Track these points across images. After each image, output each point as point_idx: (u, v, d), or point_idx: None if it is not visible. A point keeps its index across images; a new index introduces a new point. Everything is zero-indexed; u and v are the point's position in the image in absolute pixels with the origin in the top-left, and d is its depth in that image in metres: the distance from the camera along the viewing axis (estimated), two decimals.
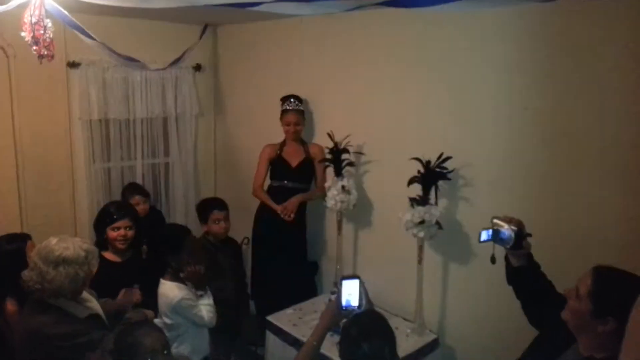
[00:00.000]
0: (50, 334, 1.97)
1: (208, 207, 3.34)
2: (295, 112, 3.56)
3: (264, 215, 3.66)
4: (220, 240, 3.36)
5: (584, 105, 2.34)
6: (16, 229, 3.56)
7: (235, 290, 3.35)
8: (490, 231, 1.74)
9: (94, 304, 2.23)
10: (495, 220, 1.76)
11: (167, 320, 2.49)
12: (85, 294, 2.24)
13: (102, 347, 1.88)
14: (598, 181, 2.32)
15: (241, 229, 3.88)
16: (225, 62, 4.50)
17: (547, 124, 2.47)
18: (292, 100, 3.57)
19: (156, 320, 2.53)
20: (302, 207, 3.60)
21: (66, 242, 2.02)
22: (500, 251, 1.81)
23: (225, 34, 4.43)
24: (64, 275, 1.95)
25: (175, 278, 2.52)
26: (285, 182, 3.61)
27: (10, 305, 2.46)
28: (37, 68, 3.27)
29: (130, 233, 2.88)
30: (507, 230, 1.71)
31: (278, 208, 3.49)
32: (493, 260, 1.78)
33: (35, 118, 3.62)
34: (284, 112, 3.58)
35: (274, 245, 3.58)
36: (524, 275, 1.77)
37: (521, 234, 1.71)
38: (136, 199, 3.64)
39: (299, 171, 3.61)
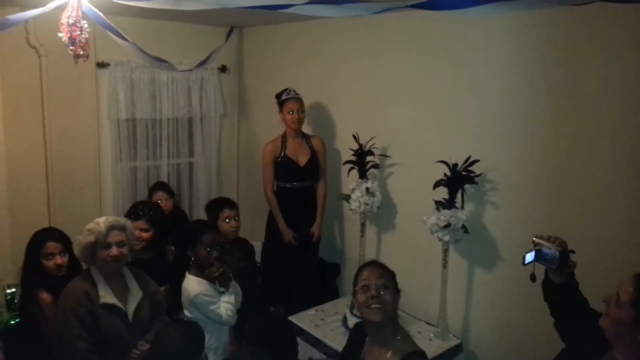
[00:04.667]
0: (65, 299, 2.24)
1: (217, 205, 3.25)
2: (296, 98, 3.48)
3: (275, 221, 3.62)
4: (230, 241, 3.21)
5: (610, 108, 2.31)
6: (44, 226, 3.66)
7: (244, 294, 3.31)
8: (533, 252, 1.68)
9: (133, 298, 2.34)
10: (537, 240, 1.69)
11: (188, 314, 2.52)
12: (134, 287, 2.36)
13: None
14: (626, 185, 2.28)
15: (262, 230, 3.89)
16: (250, 64, 4.53)
17: (574, 128, 2.44)
18: (290, 89, 3.51)
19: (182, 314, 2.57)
20: (314, 208, 3.60)
21: (98, 220, 2.34)
22: (539, 268, 1.74)
23: (251, 36, 4.46)
24: (77, 241, 2.31)
25: (198, 272, 2.54)
26: (295, 183, 3.56)
27: (45, 295, 2.54)
28: (68, 68, 3.36)
29: (145, 235, 2.88)
30: (550, 250, 1.66)
31: (287, 234, 3.50)
32: (533, 278, 1.72)
33: (65, 117, 3.70)
34: (284, 101, 3.47)
35: (289, 248, 3.56)
36: (564, 293, 1.71)
37: (566, 253, 1.66)
38: (159, 194, 3.65)
39: (307, 170, 3.55)
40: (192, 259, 2.57)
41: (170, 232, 3.14)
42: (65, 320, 2.19)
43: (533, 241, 1.70)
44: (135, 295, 2.37)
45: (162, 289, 2.70)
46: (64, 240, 2.62)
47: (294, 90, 3.52)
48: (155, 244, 2.99)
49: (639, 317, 1.36)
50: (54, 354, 2.34)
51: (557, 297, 1.73)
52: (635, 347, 1.38)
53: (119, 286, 2.34)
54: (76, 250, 2.32)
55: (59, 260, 2.58)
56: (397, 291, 1.90)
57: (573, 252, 1.69)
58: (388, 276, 1.90)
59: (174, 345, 2.06)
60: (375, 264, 1.99)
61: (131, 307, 2.33)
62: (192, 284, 2.51)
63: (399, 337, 1.85)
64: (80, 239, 2.29)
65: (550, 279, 1.74)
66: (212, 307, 2.49)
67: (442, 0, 1.93)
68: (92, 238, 2.25)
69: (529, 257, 1.68)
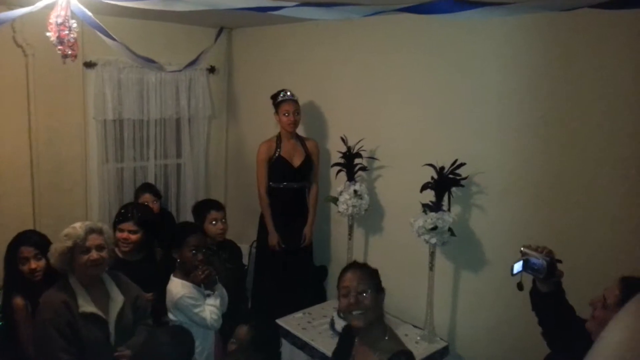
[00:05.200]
0: (43, 309, 2.17)
1: (204, 207, 3.24)
2: (292, 101, 3.49)
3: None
4: (217, 243, 3.19)
5: (596, 113, 2.34)
6: (29, 227, 3.61)
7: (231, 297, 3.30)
8: (521, 262, 1.71)
9: (115, 305, 2.28)
10: (524, 250, 1.73)
11: (172, 317, 2.50)
12: (115, 293, 2.30)
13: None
14: (613, 189, 2.31)
15: (252, 232, 3.89)
16: (239, 65, 4.53)
17: (561, 132, 2.47)
18: (286, 91, 3.51)
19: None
20: (306, 209, 3.61)
21: (75, 225, 2.28)
22: (527, 277, 1.77)
23: (240, 37, 4.46)
24: (53, 249, 2.24)
25: (184, 275, 2.53)
26: (287, 183, 3.57)
27: (18, 300, 2.50)
28: (55, 67, 3.32)
29: (133, 237, 2.85)
30: (538, 259, 1.68)
31: (273, 237, 3.51)
32: (520, 287, 1.75)
33: (51, 117, 3.66)
34: (280, 102, 3.48)
35: (280, 252, 3.55)
36: (551, 302, 1.74)
37: (553, 263, 1.68)
38: (146, 196, 3.63)
39: (300, 171, 3.57)
40: (178, 261, 2.55)
41: (157, 234, 3.11)
42: (44, 331, 2.12)
43: (521, 251, 1.72)
44: (117, 301, 2.30)
45: (149, 295, 2.66)
46: (40, 244, 2.55)
47: (290, 92, 3.52)
48: (145, 246, 2.95)
49: None
50: None
51: (545, 306, 1.76)
52: None
53: (99, 293, 2.27)
54: (52, 258, 2.24)
55: (33, 264, 2.51)
56: (379, 290, 1.92)
57: (560, 261, 1.72)
58: (368, 279, 1.91)
59: (164, 351, 2.04)
60: (355, 267, 2.00)
61: (113, 314, 2.26)
62: (176, 287, 2.49)
63: (386, 338, 1.87)
64: (56, 246, 2.22)
65: (537, 288, 1.76)
66: (196, 310, 2.47)
67: (430, 5, 1.95)
68: (69, 243, 2.18)
69: (517, 267, 1.70)
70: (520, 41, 2.57)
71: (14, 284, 2.54)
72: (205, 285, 2.54)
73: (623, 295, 1.41)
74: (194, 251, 2.52)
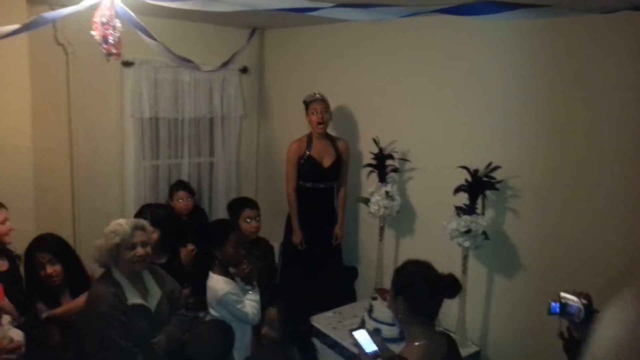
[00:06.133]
0: (97, 303, 2.24)
1: (239, 205, 3.28)
2: (321, 100, 3.51)
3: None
4: (250, 241, 3.20)
5: (630, 116, 2.29)
6: (68, 221, 3.72)
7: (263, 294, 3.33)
8: (558, 304, 1.68)
9: (153, 298, 2.37)
10: (563, 294, 1.70)
11: (214, 313, 2.54)
12: (152, 287, 2.38)
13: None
14: None
15: (280, 231, 3.91)
16: (271, 66, 4.56)
17: (594, 135, 2.42)
18: (315, 93, 3.54)
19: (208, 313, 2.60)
20: (332, 210, 3.62)
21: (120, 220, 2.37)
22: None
23: (272, 38, 4.50)
24: (98, 245, 2.30)
25: (223, 272, 2.57)
26: (317, 183, 3.57)
27: (42, 307, 2.52)
28: (94, 65, 3.43)
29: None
30: (576, 304, 1.65)
31: (297, 234, 3.53)
32: (562, 336, 1.73)
33: (90, 114, 3.75)
34: (310, 103, 3.52)
35: (308, 252, 3.57)
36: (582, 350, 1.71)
37: (591, 307, 1.65)
38: (181, 194, 3.72)
39: (330, 171, 3.57)
40: (219, 257, 2.59)
41: (184, 233, 3.14)
42: (101, 324, 2.20)
43: (558, 295, 1.69)
44: (155, 294, 2.40)
45: (185, 291, 2.70)
46: (55, 249, 2.56)
47: (319, 93, 3.54)
48: (166, 247, 2.87)
49: None
50: None
51: (577, 352, 1.71)
52: None
53: (140, 286, 2.37)
54: (97, 254, 2.31)
55: (48, 269, 2.51)
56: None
57: (597, 311, 1.68)
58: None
59: (208, 346, 2.11)
60: None
61: (152, 306, 2.36)
62: (219, 283, 2.54)
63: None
64: (102, 243, 2.29)
65: (572, 334, 1.72)
66: (239, 306, 2.52)
67: (469, 6, 1.93)
68: (117, 239, 2.26)
69: (554, 307, 1.67)
70: (549, 43, 2.53)
71: (36, 290, 2.57)
72: (245, 281, 2.60)
73: None
74: (236, 247, 2.56)
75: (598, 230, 2.43)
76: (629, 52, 2.28)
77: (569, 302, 1.67)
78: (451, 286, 1.93)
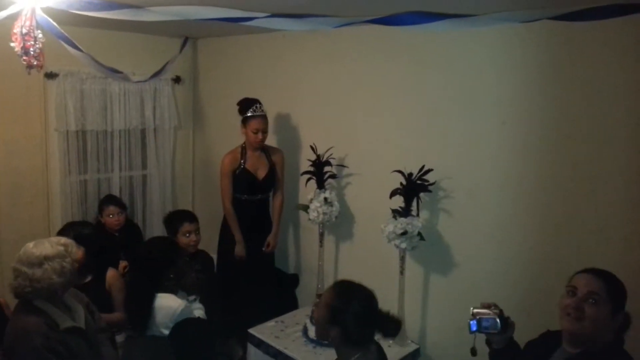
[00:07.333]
0: (30, 337, 2.02)
1: (178, 219, 3.20)
2: (262, 117, 3.43)
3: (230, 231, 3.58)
4: (189, 254, 3.16)
5: (564, 115, 2.43)
6: None
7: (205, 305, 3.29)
8: (475, 321, 1.72)
9: (79, 315, 2.23)
10: (475, 310, 1.74)
11: (165, 332, 2.46)
12: (73, 304, 2.24)
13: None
14: (575, 190, 2.42)
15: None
16: (204, 75, 4.50)
17: (524, 137, 2.57)
18: (257, 105, 3.41)
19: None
20: (268, 220, 3.62)
21: (42, 243, 2.13)
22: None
23: (206, 47, 4.44)
24: (50, 271, 2.04)
25: (169, 289, 2.53)
26: (252, 195, 3.55)
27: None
28: (14, 78, 3.25)
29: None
30: (490, 316, 1.71)
31: (242, 252, 3.50)
32: (474, 352, 1.78)
33: (11, 128, 3.55)
34: (249, 117, 3.39)
35: (243, 261, 3.54)
36: (505, 357, 1.78)
37: (503, 315, 1.72)
38: (111, 209, 3.58)
39: (265, 183, 3.56)
40: (171, 276, 2.55)
41: (115, 250, 3.06)
42: (41, 358, 2.01)
43: (472, 313, 1.73)
44: (78, 311, 2.24)
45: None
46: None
47: (261, 106, 3.43)
48: (90, 267, 2.72)
49: (615, 306, 1.52)
50: None
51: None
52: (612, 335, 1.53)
53: (62, 308, 2.18)
54: (38, 285, 2.05)
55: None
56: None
57: (508, 317, 1.77)
58: None
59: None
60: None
61: (82, 325, 2.21)
62: (174, 300, 2.51)
63: None
64: (65, 266, 2.10)
65: (492, 347, 1.80)
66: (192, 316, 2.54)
67: (398, 17, 2.02)
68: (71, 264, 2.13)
69: (472, 325, 1.71)
70: (489, 48, 2.65)
71: None
72: (188, 291, 2.63)
73: (608, 285, 1.52)
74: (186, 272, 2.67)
75: (528, 228, 2.57)
76: (597, 58, 2.43)
77: (484, 316, 1.72)
78: (390, 327, 1.97)
